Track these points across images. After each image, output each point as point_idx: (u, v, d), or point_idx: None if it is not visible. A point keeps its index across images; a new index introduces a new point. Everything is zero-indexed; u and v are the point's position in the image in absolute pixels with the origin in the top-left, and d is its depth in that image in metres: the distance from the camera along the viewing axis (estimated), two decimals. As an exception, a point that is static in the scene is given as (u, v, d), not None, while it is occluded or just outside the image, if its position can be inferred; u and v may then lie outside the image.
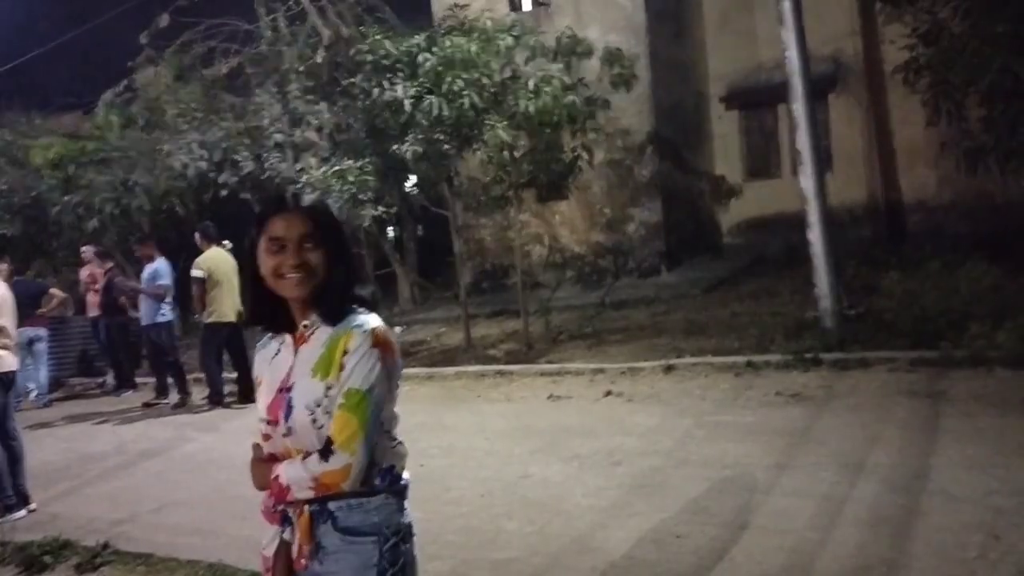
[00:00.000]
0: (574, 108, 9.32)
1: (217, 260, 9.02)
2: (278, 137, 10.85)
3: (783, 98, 9.29)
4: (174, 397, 9.70)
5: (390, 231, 14.87)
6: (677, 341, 8.83)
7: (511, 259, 12.15)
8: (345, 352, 1.84)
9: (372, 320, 1.90)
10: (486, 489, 5.19)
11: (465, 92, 8.97)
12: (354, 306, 1.94)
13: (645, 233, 13.95)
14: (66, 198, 12.61)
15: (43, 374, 11.16)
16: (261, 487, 1.95)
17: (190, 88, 12.69)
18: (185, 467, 6.86)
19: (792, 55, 8.19)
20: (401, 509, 1.95)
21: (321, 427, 1.83)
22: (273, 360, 2.00)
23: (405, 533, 1.94)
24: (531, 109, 9.01)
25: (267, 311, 1.98)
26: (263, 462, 1.95)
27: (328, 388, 1.83)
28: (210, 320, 9.01)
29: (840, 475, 4.65)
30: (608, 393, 7.30)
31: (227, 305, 8.96)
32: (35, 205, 14.00)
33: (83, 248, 11.70)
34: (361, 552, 1.86)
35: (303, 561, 1.90)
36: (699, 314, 10.21)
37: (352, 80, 10.10)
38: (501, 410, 7.42)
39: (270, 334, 2.04)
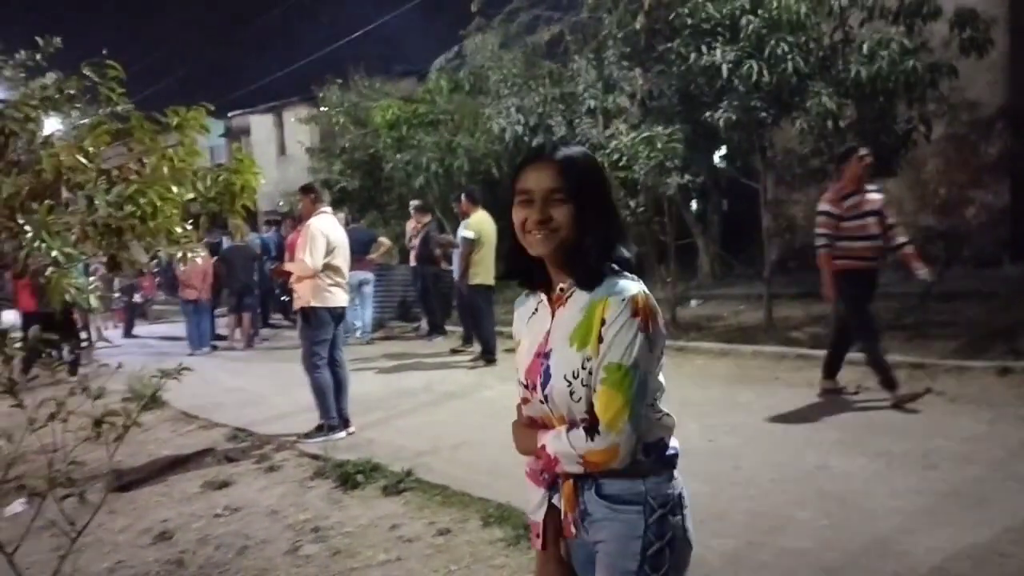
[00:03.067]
0: (913, 75, 8.38)
1: (484, 223, 9.48)
2: (591, 103, 10.95)
3: None
4: (477, 347, 10.27)
5: (693, 203, 14.55)
6: (1016, 342, 7.72)
7: (824, 238, 11.33)
8: (603, 322, 1.70)
9: (632, 286, 1.74)
10: (778, 474, 4.88)
11: (789, 56, 8.44)
12: (614, 267, 1.78)
13: (986, 218, 12.35)
14: (398, 156, 13.77)
15: (368, 314, 12.41)
16: (524, 452, 1.89)
17: (513, 55, 13.20)
18: (483, 411, 7.22)
19: None
20: (670, 479, 1.81)
21: (579, 400, 1.73)
22: (531, 320, 1.91)
23: (674, 504, 1.79)
24: (863, 75, 8.27)
25: (523, 267, 1.86)
26: (526, 426, 1.89)
27: (586, 359, 1.72)
28: (474, 282, 9.44)
29: None
30: (927, 391, 6.55)
31: (489, 268, 9.36)
32: (372, 161, 15.51)
33: (411, 202, 12.75)
34: (627, 521, 1.75)
35: (572, 528, 1.84)
36: (1047, 314, 8.87)
37: (669, 45, 9.90)
38: (800, 395, 6.96)
39: (527, 291, 1.95)
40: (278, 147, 28.75)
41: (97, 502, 3.44)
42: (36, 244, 4.15)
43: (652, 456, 1.78)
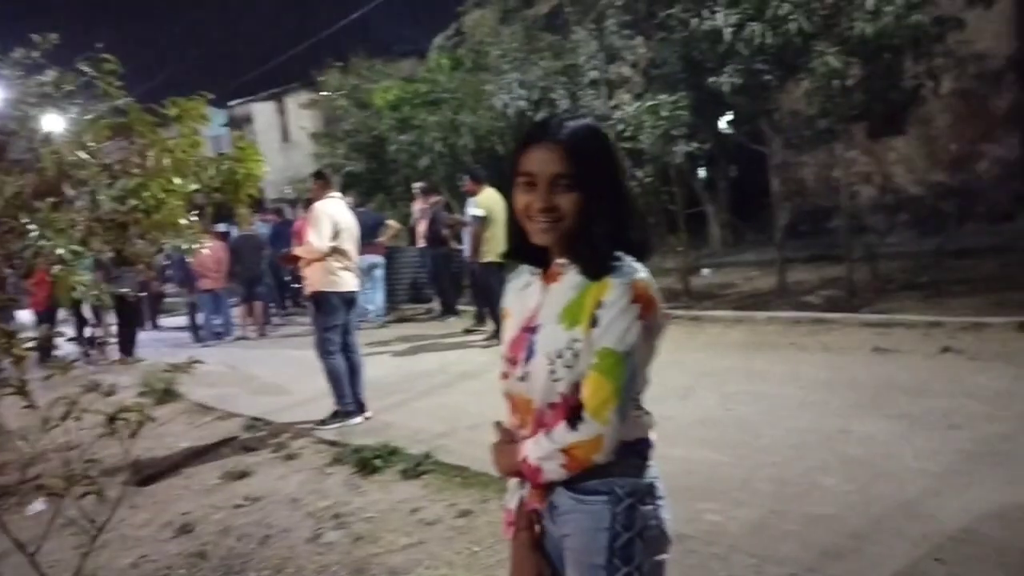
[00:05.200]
0: (920, 29, 8.24)
1: (493, 200, 9.35)
2: (593, 74, 10.83)
3: None
4: (491, 326, 10.24)
5: (701, 171, 14.42)
6: (1034, 296, 7.64)
7: (834, 200, 11.25)
8: (599, 305, 1.59)
9: (635, 271, 1.62)
10: (799, 440, 4.83)
11: (792, 16, 8.30)
12: (619, 254, 1.65)
13: (999, 172, 12.21)
14: (401, 137, 13.68)
15: (380, 297, 12.39)
16: (507, 472, 1.80)
17: (512, 29, 13.07)
18: (499, 390, 7.18)
19: None
20: (640, 468, 1.70)
21: (557, 380, 1.64)
22: (522, 292, 1.83)
23: (644, 494, 1.68)
24: (868, 32, 8.13)
25: (525, 247, 1.74)
26: (508, 444, 1.79)
27: (573, 340, 1.62)
28: (486, 259, 9.38)
29: None
30: (946, 349, 6.49)
31: (500, 245, 9.23)
32: (376, 144, 15.43)
33: (414, 184, 12.68)
34: (592, 512, 1.66)
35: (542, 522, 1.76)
36: (1064, 267, 8.77)
37: (669, 11, 9.77)
38: (817, 360, 6.91)
39: (526, 267, 1.84)
40: (281, 134, 28.63)
41: (116, 498, 3.42)
42: (41, 242, 4.13)
43: (629, 455, 1.68)
